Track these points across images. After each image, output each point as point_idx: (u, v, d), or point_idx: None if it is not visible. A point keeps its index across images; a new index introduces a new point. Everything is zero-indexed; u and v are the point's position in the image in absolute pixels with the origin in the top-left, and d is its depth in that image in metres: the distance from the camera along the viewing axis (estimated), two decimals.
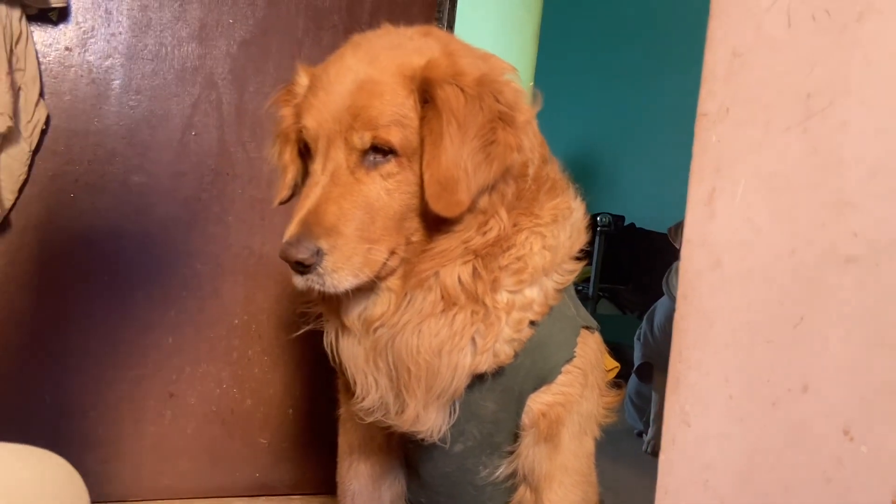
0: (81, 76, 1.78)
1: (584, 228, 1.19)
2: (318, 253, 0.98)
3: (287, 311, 1.97)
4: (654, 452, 3.07)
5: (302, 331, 1.21)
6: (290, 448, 2.02)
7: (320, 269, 0.99)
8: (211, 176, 1.90)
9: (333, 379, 1.33)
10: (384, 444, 1.29)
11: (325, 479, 1.85)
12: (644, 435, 3.19)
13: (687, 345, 0.97)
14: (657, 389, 3.14)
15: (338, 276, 1.00)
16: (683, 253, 1.00)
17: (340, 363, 1.15)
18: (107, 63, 1.80)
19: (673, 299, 3.18)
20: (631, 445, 3.14)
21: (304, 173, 1.17)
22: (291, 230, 1.00)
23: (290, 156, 1.17)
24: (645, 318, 3.35)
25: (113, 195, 1.81)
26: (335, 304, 1.13)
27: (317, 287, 1.01)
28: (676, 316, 1.00)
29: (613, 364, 1.29)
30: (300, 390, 2.02)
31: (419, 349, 1.06)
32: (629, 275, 4.97)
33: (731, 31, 0.95)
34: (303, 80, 1.15)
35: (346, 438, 1.33)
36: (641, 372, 3.26)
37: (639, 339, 3.32)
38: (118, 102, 1.81)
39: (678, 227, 3.25)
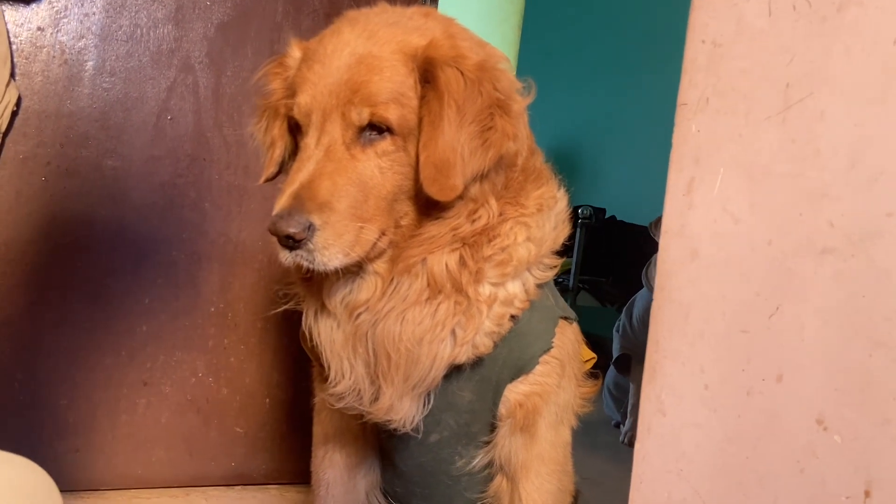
0: (54, 57, 1.74)
1: (567, 219, 1.19)
2: (310, 228, 0.96)
3: (264, 300, 1.95)
4: (631, 443, 3.07)
5: (280, 309, 1.19)
6: (267, 438, 2.00)
7: (311, 245, 0.97)
8: (187, 161, 1.86)
9: (310, 368, 1.32)
10: (359, 434, 1.28)
11: (301, 468, 1.84)
12: (621, 426, 3.21)
13: (664, 335, 0.97)
14: (635, 381, 3.16)
15: (328, 253, 0.97)
16: (662, 243, 1.00)
17: (314, 347, 1.13)
18: (80, 44, 1.76)
19: (651, 291, 3.19)
20: (608, 436, 3.16)
21: (292, 150, 1.15)
22: (283, 203, 0.97)
23: (278, 131, 1.15)
24: (624, 310, 3.36)
25: (86, 179, 1.78)
26: (317, 285, 1.12)
27: (305, 264, 0.99)
28: (654, 306, 1.00)
29: (590, 355, 1.29)
30: (277, 379, 2.00)
31: (401, 337, 1.05)
32: (609, 267, 4.99)
33: (712, 21, 0.94)
34: (295, 53, 1.13)
35: (320, 427, 1.32)
36: (620, 364, 3.27)
37: (617, 330, 3.34)
38: (91, 84, 1.77)
39: (659, 221, 3.25)
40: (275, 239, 0.98)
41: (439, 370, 1.08)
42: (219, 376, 1.95)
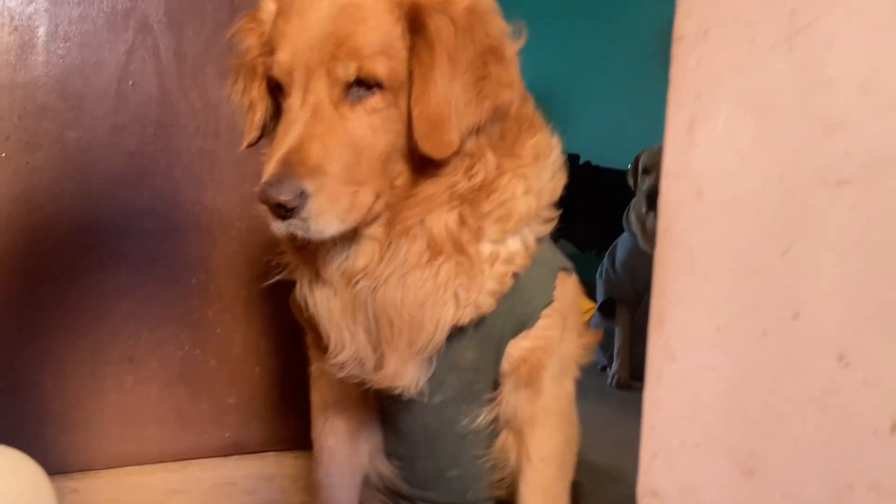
0: (3, 24, 1.63)
1: (563, 167, 1.15)
2: (302, 195, 0.90)
3: (246, 267, 1.89)
4: (619, 385, 3.14)
5: (272, 280, 1.15)
6: (260, 406, 1.98)
7: (304, 213, 0.91)
8: (153, 128, 1.78)
9: (300, 334, 1.28)
10: (360, 399, 1.25)
11: (297, 434, 1.82)
12: (608, 369, 3.25)
13: (669, 280, 0.95)
14: (620, 325, 3.19)
15: (323, 220, 0.92)
16: (663, 185, 0.97)
17: (311, 317, 1.09)
18: (30, 9, 1.65)
19: (633, 236, 3.21)
20: (595, 380, 3.19)
21: (273, 111, 1.08)
22: (272, 169, 0.91)
23: (257, 92, 1.07)
24: (606, 255, 3.37)
25: (48, 153, 1.69)
26: (311, 254, 1.07)
27: (300, 233, 0.94)
28: (657, 250, 0.97)
29: (590, 304, 1.27)
30: (266, 347, 1.96)
31: (403, 302, 1.01)
32: (586, 213, 5.00)
33: None
34: (269, 5, 1.05)
35: (319, 395, 1.29)
36: (604, 308, 3.30)
37: (601, 276, 3.35)
38: (45, 51, 1.67)
39: (636, 165, 3.25)
40: (265, 208, 0.92)
41: (443, 333, 1.05)
42: (206, 348, 1.90)
